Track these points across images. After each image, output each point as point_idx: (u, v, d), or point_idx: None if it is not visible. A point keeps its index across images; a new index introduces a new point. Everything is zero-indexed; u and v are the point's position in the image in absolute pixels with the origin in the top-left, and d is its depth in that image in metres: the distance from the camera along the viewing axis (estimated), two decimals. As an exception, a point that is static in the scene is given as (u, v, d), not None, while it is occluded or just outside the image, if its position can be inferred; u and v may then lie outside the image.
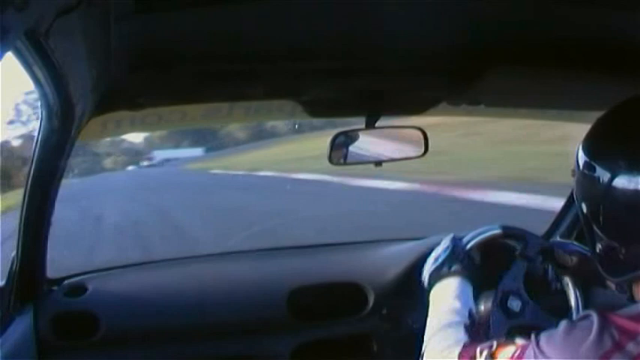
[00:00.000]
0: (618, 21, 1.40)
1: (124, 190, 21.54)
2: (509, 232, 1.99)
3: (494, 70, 1.66)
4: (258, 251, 2.68)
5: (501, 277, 2.00)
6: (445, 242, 1.69)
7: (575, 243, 1.88)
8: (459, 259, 1.63)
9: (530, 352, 1.07)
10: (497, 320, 1.89)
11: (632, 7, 1.32)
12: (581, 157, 1.17)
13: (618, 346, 0.98)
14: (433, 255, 1.67)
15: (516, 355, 1.12)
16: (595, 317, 1.01)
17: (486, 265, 2.00)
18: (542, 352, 1.05)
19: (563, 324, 1.06)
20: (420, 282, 1.68)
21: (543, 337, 1.07)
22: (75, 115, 1.53)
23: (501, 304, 1.92)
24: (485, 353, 1.20)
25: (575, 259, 1.76)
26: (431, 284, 1.61)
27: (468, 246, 1.88)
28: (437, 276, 1.61)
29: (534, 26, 1.45)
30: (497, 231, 1.96)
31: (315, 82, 1.81)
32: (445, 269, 1.60)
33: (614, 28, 1.43)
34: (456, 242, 1.68)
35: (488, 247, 1.98)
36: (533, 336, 1.09)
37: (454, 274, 1.59)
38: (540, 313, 1.90)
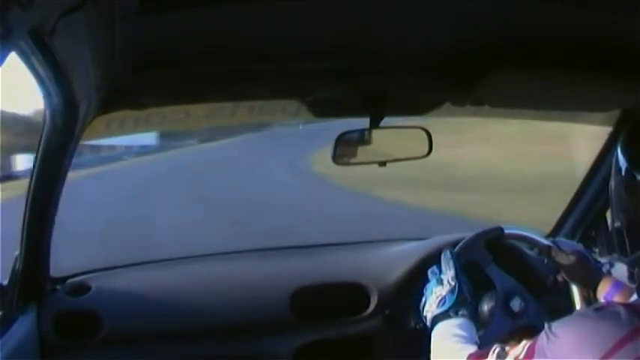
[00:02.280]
0: (621, 22, 1.40)
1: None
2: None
3: (498, 70, 1.66)
4: (260, 251, 2.68)
5: (494, 287, 2.01)
6: (448, 278, 1.61)
7: (578, 245, 1.88)
8: (465, 304, 1.57)
9: (542, 337, 1.07)
10: (499, 321, 1.89)
11: (634, 9, 1.32)
12: (622, 162, 1.15)
13: (637, 332, 0.97)
14: (436, 293, 1.60)
15: (528, 345, 1.11)
16: (614, 304, 1.01)
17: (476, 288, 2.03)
18: (554, 334, 1.04)
19: (578, 310, 1.06)
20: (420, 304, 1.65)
21: (556, 322, 1.06)
22: (79, 115, 1.53)
23: (504, 305, 1.93)
24: (497, 351, 1.20)
25: (573, 258, 1.75)
26: (434, 324, 1.56)
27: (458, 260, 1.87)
28: (442, 319, 1.55)
29: (538, 27, 1.45)
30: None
31: (320, 83, 1.81)
32: (452, 314, 1.55)
33: (616, 29, 1.43)
34: (461, 284, 1.60)
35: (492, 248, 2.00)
36: (546, 324, 1.08)
37: (462, 317, 1.55)
38: (542, 314, 1.90)
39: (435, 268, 1.67)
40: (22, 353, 1.82)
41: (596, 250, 2.39)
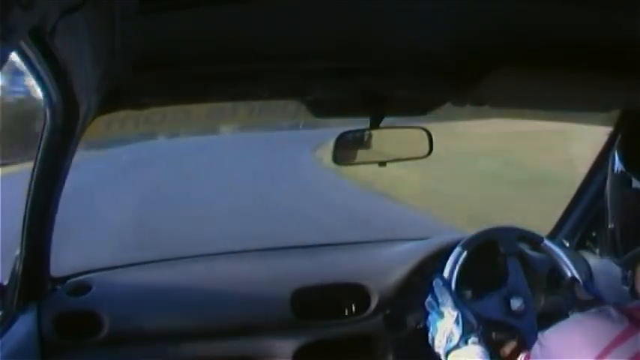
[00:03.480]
0: (621, 22, 1.40)
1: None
2: (474, 245, 2.07)
3: (498, 70, 1.66)
4: (261, 251, 2.68)
5: (506, 279, 2.04)
6: (448, 309, 1.59)
7: (598, 289, 1.89)
8: (473, 330, 1.55)
9: (535, 347, 1.07)
10: (491, 304, 1.97)
11: (634, 9, 1.32)
12: (617, 163, 1.12)
13: (632, 331, 0.97)
14: (442, 328, 1.57)
15: (524, 357, 1.11)
16: (605, 307, 1.00)
17: (478, 280, 2.07)
18: (546, 339, 1.04)
19: (570, 317, 1.05)
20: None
21: (548, 330, 1.06)
22: (79, 115, 1.53)
23: (504, 299, 1.96)
24: None
25: (590, 297, 1.75)
26: (447, 357, 1.55)
27: (452, 285, 1.94)
28: (454, 350, 1.54)
29: (538, 27, 1.45)
30: (464, 254, 2.04)
31: (320, 83, 1.81)
32: (462, 344, 1.53)
33: (616, 29, 1.43)
34: (464, 312, 1.58)
35: (469, 268, 2.05)
36: (539, 333, 1.08)
37: (472, 344, 1.53)
38: (535, 328, 1.92)
39: (431, 299, 1.65)
40: (23, 353, 1.82)
41: (597, 250, 2.40)
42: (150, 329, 2.13)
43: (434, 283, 1.67)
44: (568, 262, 2.11)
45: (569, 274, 2.07)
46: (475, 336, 1.53)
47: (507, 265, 2.07)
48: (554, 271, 2.15)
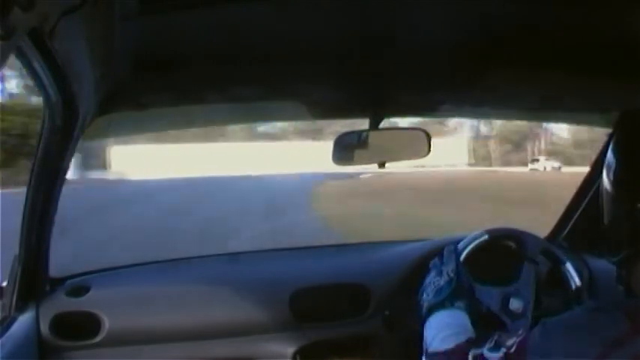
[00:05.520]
0: (620, 22, 1.40)
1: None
2: (497, 234, 2.09)
3: (498, 70, 1.66)
4: (260, 252, 2.68)
5: (510, 282, 2.03)
6: (448, 270, 1.59)
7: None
8: (463, 295, 1.54)
9: (534, 334, 1.06)
10: (487, 295, 1.91)
11: (634, 9, 1.32)
12: (612, 163, 1.11)
13: (633, 332, 0.97)
14: (434, 283, 1.58)
15: (520, 339, 1.11)
16: (609, 307, 1.00)
17: (486, 269, 2.06)
18: (547, 331, 1.04)
19: (573, 310, 1.05)
20: (420, 302, 1.65)
21: (550, 320, 1.05)
22: (78, 116, 1.53)
23: (504, 298, 1.95)
24: (495, 339, 1.19)
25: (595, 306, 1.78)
26: (430, 313, 1.53)
27: (462, 257, 1.95)
28: (438, 308, 1.52)
29: (538, 27, 1.45)
30: (485, 236, 2.05)
31: (319, 84, 1.81)
32: (447, 304, 1.52)
33: (616, 29, 1.43)
34: (461, 278, 1.58)
35: (483, 253, 2.05)
36: (540, 321, 1.08)
37: (457, 309, 1.51)
38: (526, 333, 1.92)
39: (436, 260, 1.66)
40: (21, 354, 1.81)
41: (596, 250, 2.40)
42: (149, 330, 2.13)
43: (445, 248, 1.67)
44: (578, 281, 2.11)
45: (576, 283, 2.07)
46: (462, 302, 1.52)
47: (522, 269, 2.05)
48: (555, 270, 2.15)
